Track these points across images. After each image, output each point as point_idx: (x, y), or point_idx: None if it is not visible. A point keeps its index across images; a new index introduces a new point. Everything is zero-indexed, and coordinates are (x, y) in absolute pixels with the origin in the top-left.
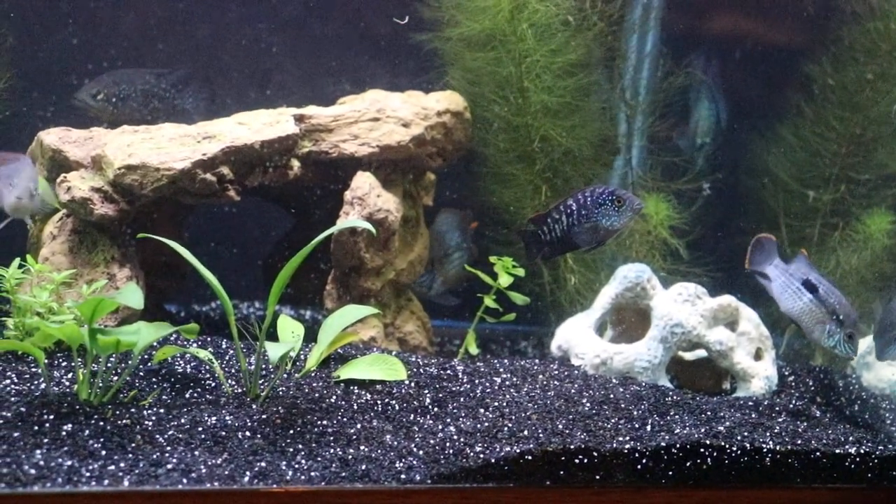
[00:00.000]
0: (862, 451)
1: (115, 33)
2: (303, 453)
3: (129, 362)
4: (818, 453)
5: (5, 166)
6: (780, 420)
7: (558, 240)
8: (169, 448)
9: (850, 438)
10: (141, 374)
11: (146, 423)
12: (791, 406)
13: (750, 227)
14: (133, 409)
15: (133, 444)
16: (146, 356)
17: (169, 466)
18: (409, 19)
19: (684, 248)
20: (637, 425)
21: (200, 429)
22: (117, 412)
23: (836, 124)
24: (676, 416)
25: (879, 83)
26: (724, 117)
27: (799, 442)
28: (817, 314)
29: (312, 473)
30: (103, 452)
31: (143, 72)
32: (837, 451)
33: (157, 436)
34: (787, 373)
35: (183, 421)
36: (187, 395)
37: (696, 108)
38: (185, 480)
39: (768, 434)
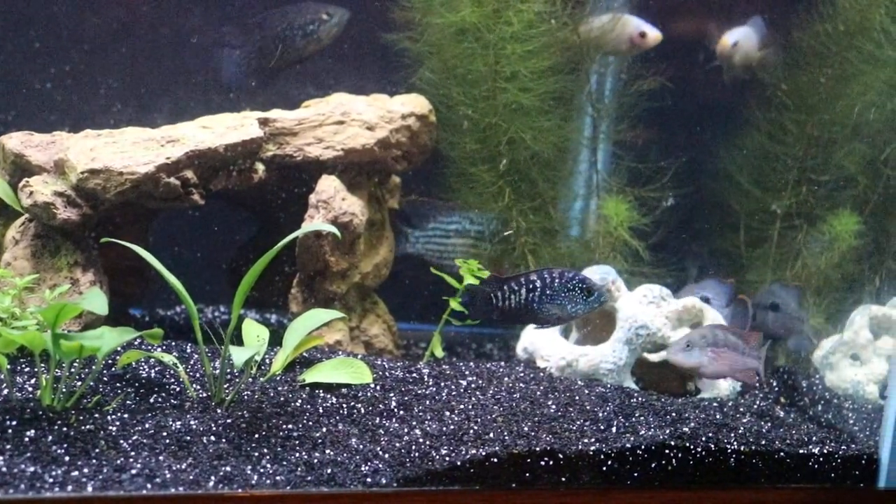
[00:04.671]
0: (825, 451)
1: (77, 36)
2: (268, 457)
3: (93, 367)
4: (782, 453)
5: None
6: (744, 421)
7: (512, 309)
8: (133, 453)
9: (814, 438)
10: (105, 379)
11: (110, 428)
12: (755, 407)
13: (714, 229)
14: (97, 415)
15: (97, 450)
16: (110, 361)
17: (133, 472)
18: (378, 20)
19: (644, 250)
20: (602, 427)
21: (165, 434)
22: (81, 417)
23: (793, 127)
24: (641, 418)
25: (833, 85)
26: None
27: (763, 442)
28: None
29: (278, 478)
30: (67, 458)
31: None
32: (801, 451)
33: (121, 441)
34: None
35: (147, 426)
36: (151, 400)
37: None
38: (149, 486)
39: (733, 435)
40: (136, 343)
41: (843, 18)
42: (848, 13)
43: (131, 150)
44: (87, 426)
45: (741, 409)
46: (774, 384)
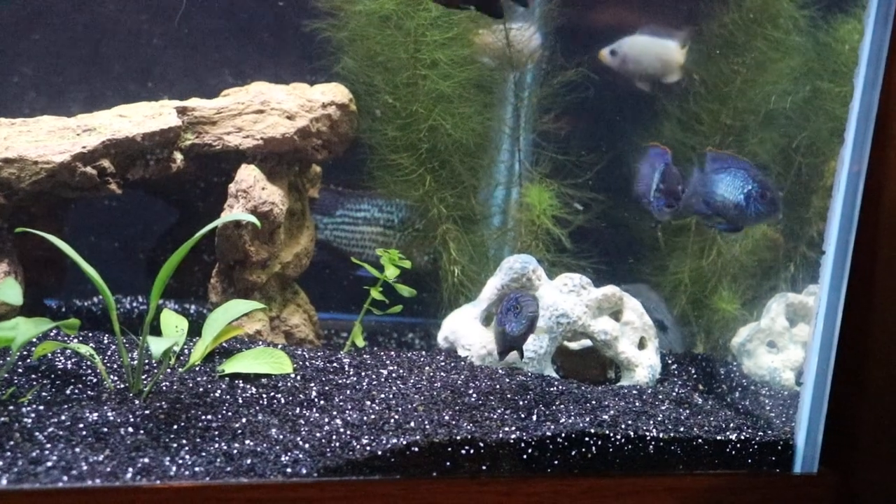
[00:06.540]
0: (742, 438)
1: None
2: (187, 448)
3: (7, 359)
4: (700, 440)
5: None
6: (663, 408)
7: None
8: (49, 445)
9: (731, 425)
10: (20, 370)
11: (25, 420)
12: (674, 394)
13: (633, 218)
14: (11, 407)
15: (11, 442)
16: (25, 352)
17: (49, 464)
18: (299, 8)
19: (567, 238)
20: (523, 415)
21: (81, 425)
22: None
23: (707, 117)
24: (562, 406)
25: (744, 74)
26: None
27: (681, 429)
28: None
29: (197, 469)
30: None
31: None
32: (719, 437)
33: (37, 433)
34: (670, 361)
35: (63, 417)
36: (68, 392)
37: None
38: (65, 478)
39: (651, 422)
40: (51, 334)
41: (749, 6)
42: (754, 1)
43: (46, 139)
44: (2, 418)
45: (660, 397)
46: (693, 371)
